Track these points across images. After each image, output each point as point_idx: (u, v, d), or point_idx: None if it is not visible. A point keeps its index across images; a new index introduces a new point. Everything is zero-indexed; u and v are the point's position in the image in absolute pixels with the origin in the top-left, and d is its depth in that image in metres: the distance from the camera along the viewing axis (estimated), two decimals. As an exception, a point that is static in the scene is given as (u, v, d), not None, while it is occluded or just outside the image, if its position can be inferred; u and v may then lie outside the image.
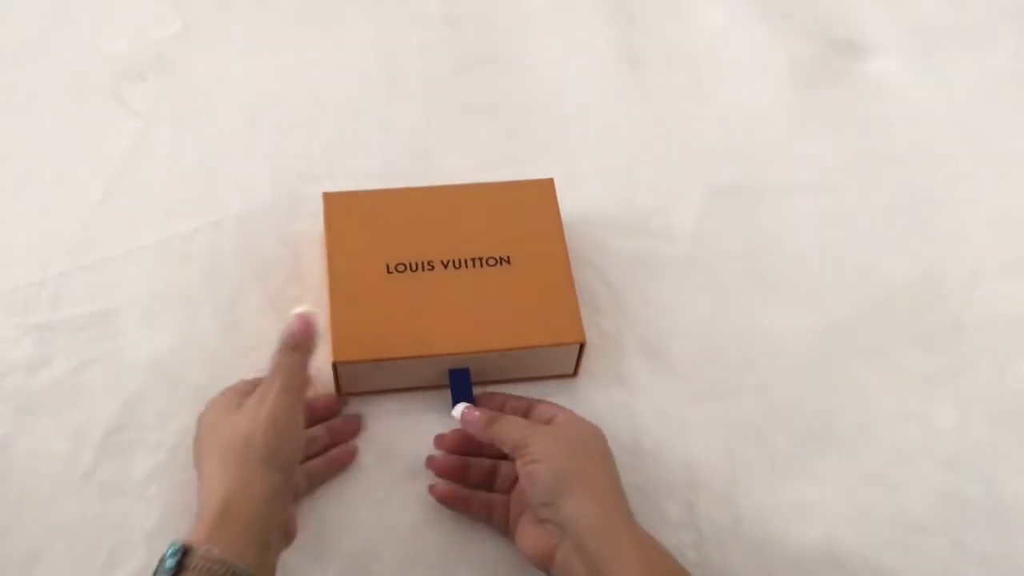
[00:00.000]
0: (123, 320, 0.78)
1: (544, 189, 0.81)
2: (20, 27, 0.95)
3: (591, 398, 0.76)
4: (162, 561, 0.56)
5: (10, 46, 0.94)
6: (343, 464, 0.72)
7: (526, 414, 0.71)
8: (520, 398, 0.73)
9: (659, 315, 0.82)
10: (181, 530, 0.66)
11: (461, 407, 0.70)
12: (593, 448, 0.67)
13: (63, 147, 0.88)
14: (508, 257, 0.77)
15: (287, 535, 0.63)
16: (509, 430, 0.67)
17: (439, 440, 0.73)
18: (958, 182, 0.93)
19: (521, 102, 0.96)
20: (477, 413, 0.69)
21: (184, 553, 0.55)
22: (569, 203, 0.81)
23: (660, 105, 0.97)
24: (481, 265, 0.76)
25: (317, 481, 0.71)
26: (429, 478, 0.72)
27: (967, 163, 0.94)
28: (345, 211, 0.79)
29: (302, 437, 0.65)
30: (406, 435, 0.74)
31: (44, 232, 0.82)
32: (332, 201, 0.79)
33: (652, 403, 0.77)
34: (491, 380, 0.76)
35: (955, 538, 0.72)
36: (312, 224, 0.83)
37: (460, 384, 0.74)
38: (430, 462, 0.72)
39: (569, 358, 0.76)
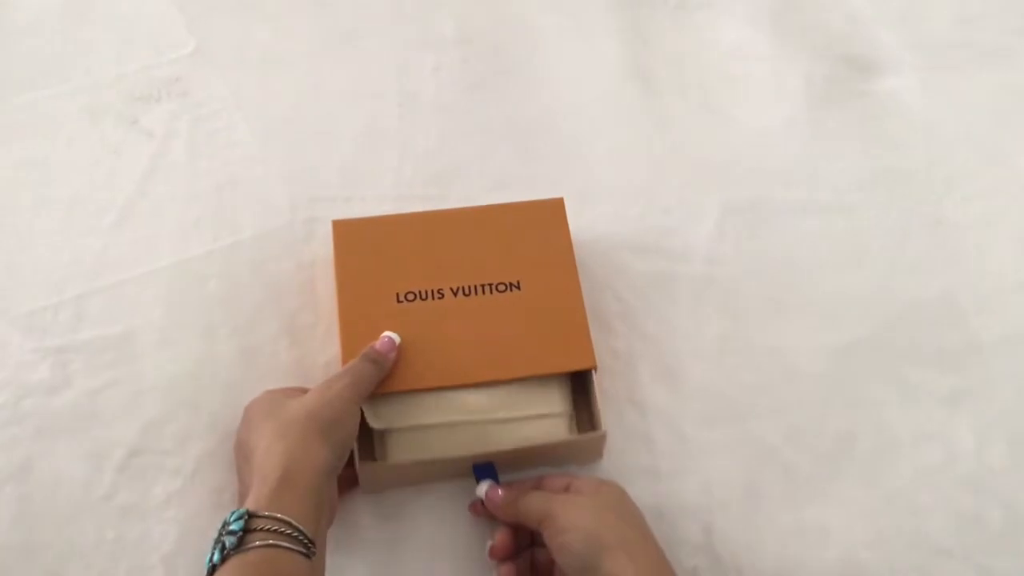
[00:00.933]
0: (140, 343, 0.78)
1: (554, 209, 0.81)
2: (36, 50, 0.96)
3: (606, 421, 0.76)
4: (225, 525, 0.57)
5: (27, 69, 0.94)
6: None
7: (538, 487, 0.71)
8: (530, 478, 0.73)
9: (674, 336, 0.82)
10: (199, 552, 0.67)
11: (485, 486, 0.70)
12: (619, 506, 0.67)
13: (79, 169, 0.88)
14: (518, 282, 0.77)
15: (332, 511, 0.65)
16: (531, 505, 0.67)
17: (492, 552, 0.70)
18: (974, 201, 0.92)
19: (535, 123, 0.96)
20: (500, 492, 0.69)
21: (249, 517, 0.56)
22: (584, 223, 0.81)
23: (674, 124, 0.97)
24: (491, 291, 0.76)
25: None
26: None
27: (983, 182, 0.94)
28: (354, 238, 0.79)
29: (355, 432, 0.67)
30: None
31: (61, 254, 0.82)
32: (341, 229, 0.79)
33: (668, 425, 0.77)
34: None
35: (976, 561, 0.72)
36: (327, 246, 0.83)
37: (485, 477, 0.73)
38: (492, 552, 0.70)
39: (594, 448, 0.75)
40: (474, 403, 0.73)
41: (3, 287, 0.80)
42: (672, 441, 0.76)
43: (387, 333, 0.72)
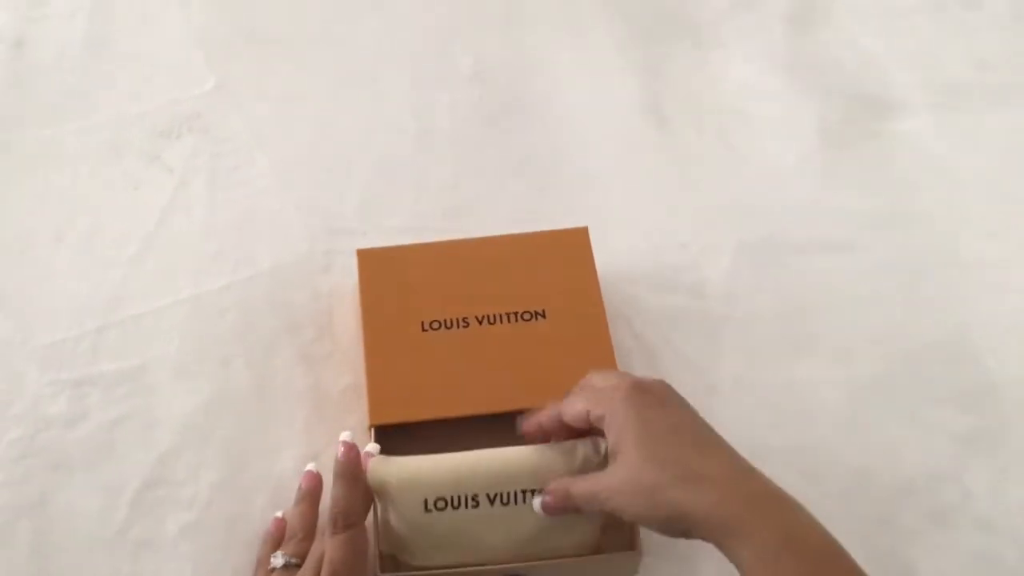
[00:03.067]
0: (157, 375, 0.78)
1: (578, 238, 0.82)
2: (60, 84, 0.97)
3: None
4: None
5: (50, 103, 0.96)
6: None
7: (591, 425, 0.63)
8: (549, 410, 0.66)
9: (691, 372, 0.82)
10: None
11: (538, 502, 0.64)
12: (664, 422, 0.60)
13: (99, 203, 0.89)
14: (543, 311, 0.77)
15: None
16: (581, 495, 0.62)
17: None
18: (988, 240, 0.92)
19: (550, 158, 0.97)
20: (550, 499, 0.64)
21: None
22: (599, 258, 0.81)
23: (689, 162, 0.97)
24: (516, 320, 0.77)
25: None
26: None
27: (997, 221, 0.94)
28: (379, 268, 0.79)
29: None
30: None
31: (80, 287, 0.83)
32: (366, 257, 0.80)
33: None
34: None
35: (992, 603, 0.72)
36: (345, 279, 0.84)
37: None
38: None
39: (631, 565, 0.71)
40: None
41: (22, 319, 0.81)
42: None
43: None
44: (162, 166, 0.91)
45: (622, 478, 0.59)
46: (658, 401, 0.62)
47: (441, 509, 0.64)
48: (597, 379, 0.65)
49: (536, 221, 0.86)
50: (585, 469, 0.64)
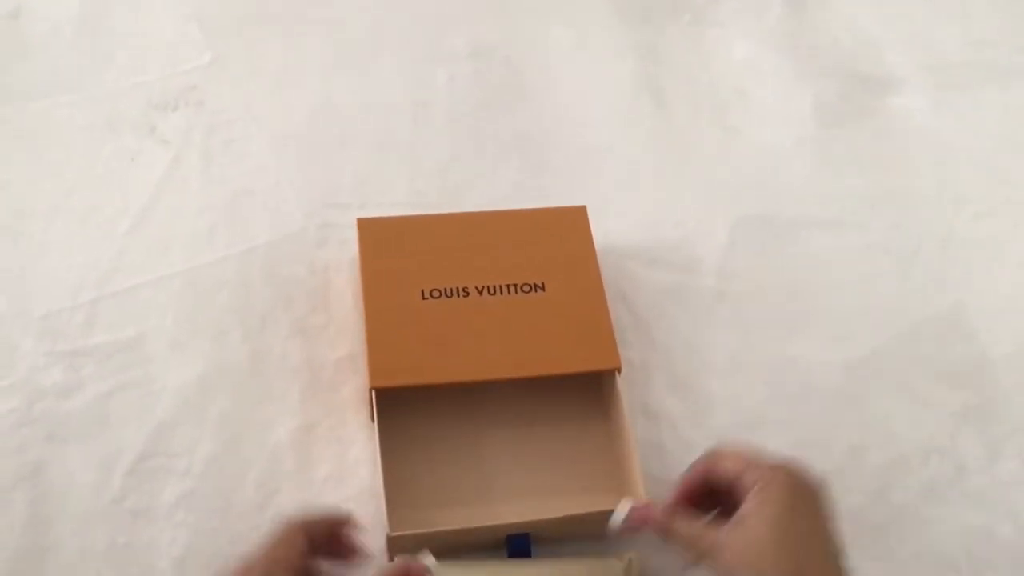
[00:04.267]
0: (152, 347, 0.78)
1: (577, 216, 0.82)
2: (55, 58, 0.97)
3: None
4: None
5: (45, 76, 0.95)
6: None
7: (733, 485, 0.60)
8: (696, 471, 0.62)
9: (686, 348, 0.82)
10: (208, 556, 0.68)
11: (627, 508, 0.62)
12: (805, 526, 0.57)
13: (95, 176, 0.89)
14: (542, 284, 0.77)
15: None
16: (684, 532, 0.60)
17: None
18: (983, 219, 0.93)
19: (547, 137, 0.97)
20: (641, 517, 0.62)
21: None
22: (596, 235, 0.82)
23: (685, 140, 0.98)
24: (515, 291, 0.77)
25: None
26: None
27: (992, 200, 0.94)
28: (379, 236, 0.79)
29: None
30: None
31: (76, 259, 0.83)
32: (366, 226, 0.80)
33: (680, 436, 0.77)
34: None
35: (985, 576, 0.72)
36: (340, 253, 0.84)
37: (519, 549, 0.69)
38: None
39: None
40: None
41: (18, 291, 0.80)
42: (684, 452, 0.76)
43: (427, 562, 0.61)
44: (158, 139, 0.91)
45: (738, 542, 0.56)
46: (812, 497, 0.58)
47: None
48: (754, 453, 0.61)
49: (532, 199, 0.86)
50: None
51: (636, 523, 0.62)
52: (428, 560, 0.61)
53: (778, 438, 0.77)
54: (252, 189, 0.89)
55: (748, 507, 0.57)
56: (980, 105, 1.01)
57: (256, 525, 0.70)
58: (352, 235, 0.80)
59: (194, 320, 0.80)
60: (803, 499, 0.57)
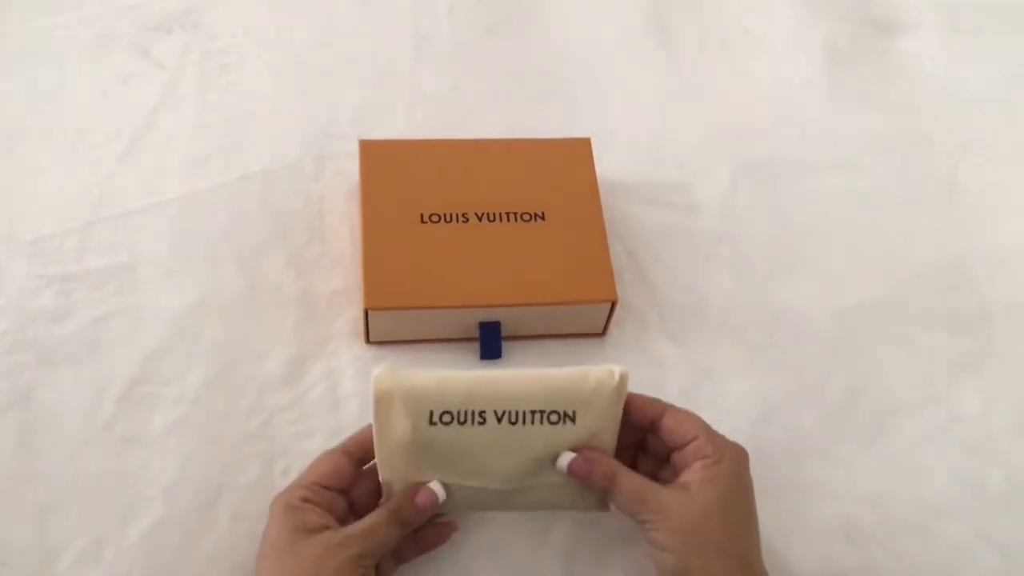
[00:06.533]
0: (145, 273, 0.77)
1: (581, 148, 0.81)
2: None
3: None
4: None
5: (36, -4, 0.93)
6: (438, 542, 0.66)
7: (653, 423, 0.64)
8: (650, 402, 0.65)
9: (683, 290, 0.82)
10: (199, 484, 0.68)
11: (567, 459, 0.62)
12: (732, 502, 0.60)
13: (88, 99, 0.87)
14: (543, 213, 0.77)
15: None
16: (628, 490, 0.61)
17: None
18: (989, 166, 0.92)
19: (550, 70, 0.95)
20: (584, 466, 0.61)
21: None
22: (596, 172, 0.80)
23: (690, 77, 0.96)
24: (515, 220, 0.76)
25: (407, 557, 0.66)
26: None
27: (1000, 147, 0.93)
28: (381, 159, 0.78)
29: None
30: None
31: (68, 183, 0.81)
32: (368, 148, 0.79)
33: (675, 378, 0.77)
34: (520, 335, 0.76)
35: (973, 524, 0.72)
36: (337, 183, 0.83)
37: (490, 337, 0.74)
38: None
39: (600, 317, 0.76)
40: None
41: (9, 214, 0.79)
42: (678, 394, 0.75)
43: (432, 487, 0.62)
44: (152, 61, 0.89)
45: (686, 507, 0.59)
46: (750, 485, 0.63)
47: (447, 423, 0.61)
48: (706, 425, 0.63)
49: (533, 131, 0.84)
50: (599, 393, 0.62)
51: (579, 473, 0.62)
52: (436, 488, 0.62)
53: (772, 381, 0.77)
54: (248, 116, 0.88)
55: (695, 476, 0.60)
56: (991, 50, 0.99)
57: (247, 454, 0.70)
58: (349, 166, 0.79)
59: (188, 247, 0.79)
60: (745, 484, 0.62)
